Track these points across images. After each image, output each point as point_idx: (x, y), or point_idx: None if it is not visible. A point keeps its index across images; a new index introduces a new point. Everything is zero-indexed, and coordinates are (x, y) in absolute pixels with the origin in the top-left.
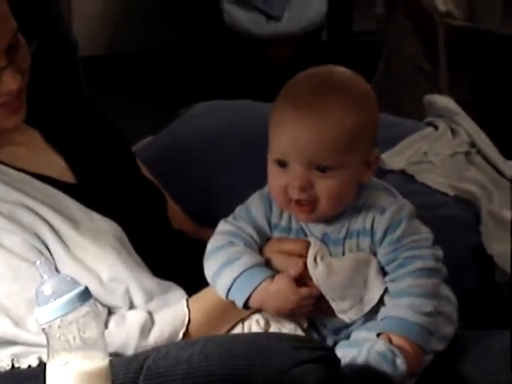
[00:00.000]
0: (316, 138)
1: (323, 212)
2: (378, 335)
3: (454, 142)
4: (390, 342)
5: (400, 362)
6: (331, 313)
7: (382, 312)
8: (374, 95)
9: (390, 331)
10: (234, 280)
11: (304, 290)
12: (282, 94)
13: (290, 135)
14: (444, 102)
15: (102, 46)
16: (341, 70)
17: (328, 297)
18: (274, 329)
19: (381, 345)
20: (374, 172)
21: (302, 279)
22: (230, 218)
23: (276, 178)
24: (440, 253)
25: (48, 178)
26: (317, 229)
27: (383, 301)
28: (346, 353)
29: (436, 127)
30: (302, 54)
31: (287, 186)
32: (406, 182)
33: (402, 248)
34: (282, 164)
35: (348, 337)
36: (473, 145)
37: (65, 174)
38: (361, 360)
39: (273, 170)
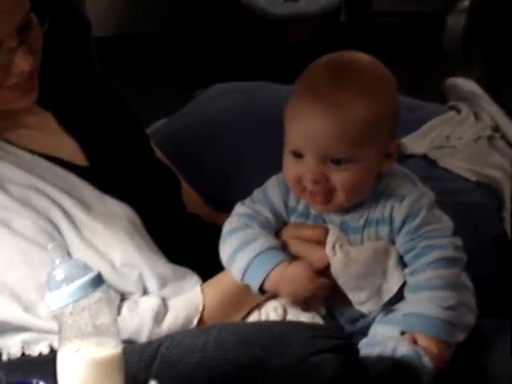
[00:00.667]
0: (330, 130)
1: (339, 203)
2: (402, 333)
3: (477, 126)
4: (415, 341)
5: (426, 361)
6: (348, 303)
7: (404, 307)
8: (394, 82)
9: (414, 330)
10: (249, 263)
11: (322, 280)
12: (298, 83)
13: (305, 127)
14: (467, 85)
15: (114, 26)
16: (359, 58)
17: (345, 287)
18: (291, 316)
19: (405, 346)
20: (394, 161)
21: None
22: (247, 201)
23: (291, 168)
24: (460, 242)
25: (61, 160)
26: (335, 216)
27: (402, 291)
28: (368, 352)
29: (459, 111)
30: (321, 34)
31: (301, 177)
32: (427, 167)
33: (420, 237)
34: (298, 155)
35: (366, 327)
36: (496, 129)
37: (77, 156)
38: (386, 360)
39: (288, 159)
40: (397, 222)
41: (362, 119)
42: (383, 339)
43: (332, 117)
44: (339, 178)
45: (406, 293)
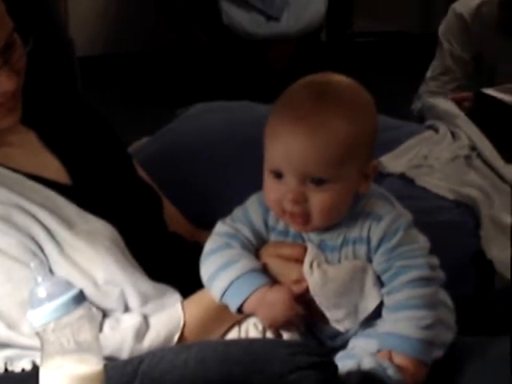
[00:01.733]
0: (309, 150)
1: (316, 225)
2: (379, 351)
3: (455, 145)
4: (391, 359)
5: (392, 373)
6: (326, 320)
7: (381, 326)
8: (372, 105)
9: (391, 349)
10: (231, 283)
11: (299, 309)
12: (277, 104)
13: (284, 147)
14: (445, 105)
15: (98, 46)
16: (337, 80)
17: (322, 306)
18: (271, 333)
19: (371, 360)
20: (371, 183)
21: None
22: (227, 220)
23: (271, 189)
24: (436, 261)
25: (43, 179)
26: (314, 235)
27: (380, 308)
28: (344, 364)
29: (436, 130)
30: (301, 54)
31: (282, 198)
32: (405, 186)
33: (396, 258)
34: (278, 175)
35: (346, 343)
36: (473, 148)
37: (60, 175)
38: (354, 374)
39: (268, 180)
40: (374, 242)
41: (341, 140)
42: (359, 352)
43: (312, 137)
44: (317, 198)
45: (384, 312)
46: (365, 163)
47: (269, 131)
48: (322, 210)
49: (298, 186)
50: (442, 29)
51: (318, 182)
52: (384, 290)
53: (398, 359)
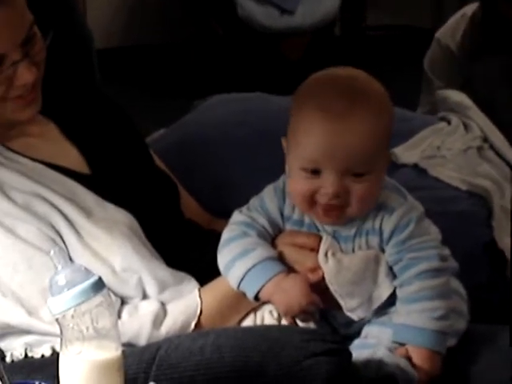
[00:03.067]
0: (352, 147)
1: (353, 215)
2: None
3: (467, 136)
4: (407, 353)
5: (410, 370)
6: (340, 308)
7: (395, 318)
8: (388, 97)
9: (407, 342)
10: (247, 271)
11: (314, 296)
12: (305, 98)
13: (326, 145)
14: (457, 96)
15: (115, 38)
16: (361, 75)
17: (337, 294)
18: (286, 320)
19: (391, 355)
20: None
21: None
22: (244, 209)
23: (303, 183)
24: (447, 252)
25: (62, 168)
26: (328, 225)
27: (392, 297)
28: (359, 353)
29: (449, 122)
30: (315, 48)
31: (316, 191)
32: (418, 177)
33: (407, 250)
34: (314, 172)
35: (359, 331)
36: (485, 140)
37: (79, 164)
38: (372, 366)
39: (299, 175)
40: (386, 234)
41: (377, 134)
42: (374, 342)
43: (353, 134)
44: (359, 189)
45: (398, 304)
46: (388, 152)
47: (301, 127)
48: (361, 201)
49: (339, 180)
50: (427, 61)
51: (357, 174)
52: (396, 283)
53: (415, 353)
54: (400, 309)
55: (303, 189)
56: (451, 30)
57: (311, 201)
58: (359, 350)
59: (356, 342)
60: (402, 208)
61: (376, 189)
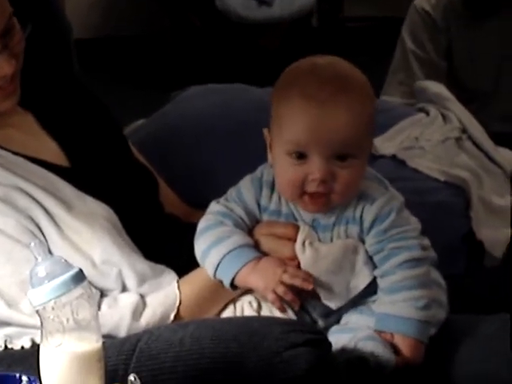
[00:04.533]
0: (339, 129)
1: (337, 202)
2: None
3: (445, 127)
4: (393, 339)
5: (388, 352)
6: (318, 298)
7: (378, 307)
8: (369, 83)
9: (389, 330)
10: (223, 258)
11: (291, 266)
12: (287, 86)
13: (312, 127)
14: (435, 87)
15: (94, 29)
16: (341, 62)
17: (314, 283)
18: (265, 311)
19: (369, 337)
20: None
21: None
22: (221, 200)
23: (291, 170)
24: (427, 242)
25: (42, 161)
26: (307, 214)
27: (370, 286)
28: (338, 338)
29: (427, 113)
30: (293, 39)
31: (304, 179)
32: (397, 167)
33: (388, 240)
34: (300, 156)
35: (339, 320)
36: (464, 130)
37: (58, 157)
38: (350, 349)
39: (286, 162)
40: (366, 223)
41: (362, 118)
42: (353, 327)
43: (339, 118)
44: (344, 174)
45: (380, 293)
46: (371, 139)
47: (287, 115)
48: (346, 186)
49: (325, 164)
50: (405, 28)
51: (343, 158)
52: (377, 273)
53: (400, 341)
54: (382, 298)
55: (291, 177)
56: None
57: (300, 190)
58: (338, 335)
59: (334, 327)
60: (383, 198)
61: (360, 176)
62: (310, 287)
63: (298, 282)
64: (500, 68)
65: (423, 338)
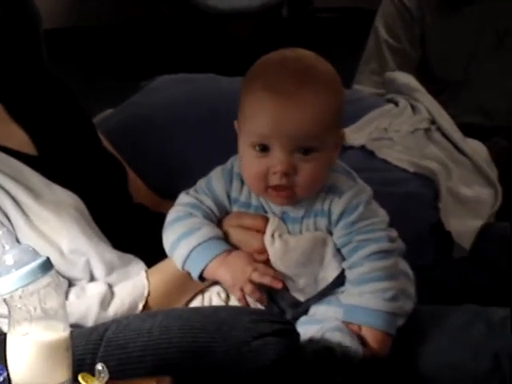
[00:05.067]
0: (299, 119)
1: (301, 195)
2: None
3: (414, 118)
4: (360, 331)
5: (355, 342)
6: (287, 289)
7: (345, 298)
8: (338, 76)
9: (359, 323)
10: (192, 250)
11: (259, 262)
12: (253, 79)
13: (274, 119)
14: (404, 78)
15: (63, 18)
16: (308, 53)
17: (282, 275)
18: (234, 301)
19: (336, 328)
20: (338, 151)
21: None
22: (191, 191)
23: (254, 163)
24: (394, 233)
25: (10, 149)
26: (276, 206)
27: (338, 278)
28: (306, 329)
29: (396, 104)
30: (263, 30)
31: (267, 172)
32: (366, 158)
33: (356, 232)
34: (263, 148)
35: (307, 311)
36: (433, 122)
37: (26, 146)
38: (317, 340)
39: (250, 154)
40: (334, 216)
41: (326, 110)
42: (321, 318)
43: (301, 110)
44: (306, 168)
45: (347, 285)
46: (339, 131)
47: (250, 104)
48: (310, 179)
49: (287, 157)
50: (379, 17)
51: (306, 151)
52: (345, 265)
53: (367, 333)
54: (350, 290)
55: (255, 170)
56: None
57: (263, 183)
58: (306, 326)
59: (302, 318)
60: (351, 191)
61: (324, 169)
62: (279, 286)
63: (267, 281)
64: (471, 58)
65: (390, 330)
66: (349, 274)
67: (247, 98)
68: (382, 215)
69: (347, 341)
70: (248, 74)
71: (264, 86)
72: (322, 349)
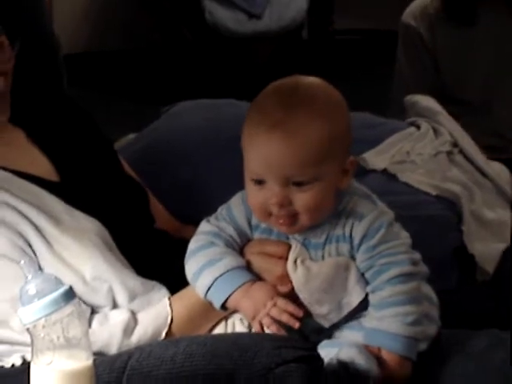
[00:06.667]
0: (288, 154)
1: (304, 224)
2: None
3: (437, 141)
4: (379, 353)
5: (373, 364)
6: (310, 315)
7: (368, 322)
8: (343, 102)
9: (376, 345)
10: (215, 281)
11: (281, 299)
12: (250, 111)
13: (263, 154)
14: (426, 101)
15: (84, 43)
16: (307, 81)
17: (306, 301)
18: (256, 328)
19: (352, 350)
20: (351, 178)
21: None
22: (211, 218)
23: (254, 195)
24: (417, 256)
25: (31, 176)
26: (298, 233)
27: (364, 302)
28: (327, 352)
29: (418, 127)
30: (283, 52)
31: (266, 203)
32: (388, 182)
33: (378, 255)
34: (259, 182)
35: (330, 336)
36: (455, 144)
37: (48, 172)
38: (337, 359)
39: (250, 187)
40: (356, 240)
41: (317, 141)
42: (342, 341)
43: (288, 142)
44: (302, 199)
45: (370, 309)
46: (343, 159)
47: (245, 140)
48: (307, 210)
49: (281, 189)
50: (399, 44)
51: (300, 183)
52: (368, 289)
53: (385, 355)
54: (372, 313)
55: (254, 201)
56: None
57: (266, 212)
58: (327, 349)
59: (324, 342)
60: (371, 214)
61: (326, 196)
62: (296, 326)
63: (285, 319)
64: (488, 79)
65: (410, 354)
66: (371, 298)
67: (243, 132)
68: (405, 237)
69: (361, 359)
70: (253, 101)
71: (253, 116)
72: (335, 362)
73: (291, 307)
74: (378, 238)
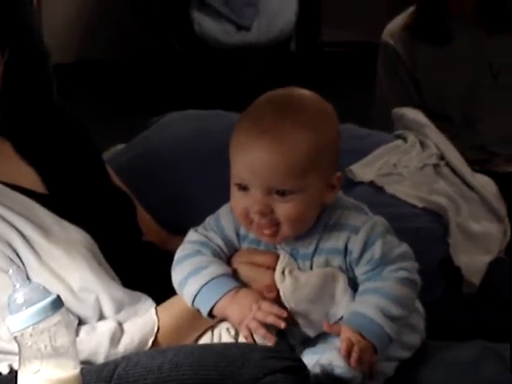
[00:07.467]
0: (272, 163)
1: (285, 235)
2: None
3: (423, 154)
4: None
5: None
6: (297, 325)
7: (349, 308)
8: (334, 115)
9: (348, 324)
10: (201, 288)
11: (265, 302)
12: (241, 119)
13: (248, 161)
14: (413, 114)
15: (73, 53)
16: (301, 93)
17: (293, 311)
18: (243, 338)
19: (329, 355)
20: (337, 193)
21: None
22: (199, 228)
23: (237, 201)
24: (417, 265)
25: (19, 187)
26: (286, 243)
27: None
28: (310, 359)
29: (405, 139)
30: (272, 64)
31: (248, 210)
32: (375, 194)
33: (384, 264)
34: (243, 188)
35: (315, 345)
36: (442, 157)
37: (36, 184)
38: (319, 365)
39: (234, 192)
40: (354, 254)
41: (303, 152)
42: (324, 346)
43: (274, 150)
44: (284, 209)
45: (357, 295)
46: (328, 173)
47: (233, 146)
48: (288, 220)
49: (264, 197)
50: (379, 61)
51: (283, 193)
52: (363, 277)
53: (351, 333)
54: (356, 299)
55: (237, 206)
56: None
57: (247, 218)
58: (309, 356)
59: (307, 350)
60: (366, 225)
61: (308, 209)
62: (282, 326)
63: (270, 319)
64: (467, 94)
65: (377, 345)
66: (365, 285)
67: (232, 138)
68: (405, 246)
69: (341, 361)
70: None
71: (243, 124)
72: (317, 368)
73: (275, 309)
74: (380, 247)
